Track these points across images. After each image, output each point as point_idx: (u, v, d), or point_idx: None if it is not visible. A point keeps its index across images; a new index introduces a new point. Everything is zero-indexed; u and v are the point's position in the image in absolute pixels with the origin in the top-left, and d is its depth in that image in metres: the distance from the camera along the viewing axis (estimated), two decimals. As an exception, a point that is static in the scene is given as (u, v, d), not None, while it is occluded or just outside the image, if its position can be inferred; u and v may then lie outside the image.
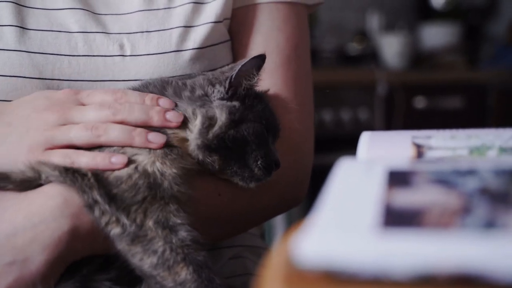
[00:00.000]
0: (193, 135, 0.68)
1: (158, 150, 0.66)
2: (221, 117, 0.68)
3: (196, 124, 0.68)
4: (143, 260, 0.62)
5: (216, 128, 0.68)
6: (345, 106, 2.46)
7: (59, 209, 0.63)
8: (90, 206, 0.63)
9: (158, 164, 0.65)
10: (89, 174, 0.64)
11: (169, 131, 0.68)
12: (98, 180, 0.64)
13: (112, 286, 0.65)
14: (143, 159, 0.65)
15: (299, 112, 0.83)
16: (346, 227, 0.37)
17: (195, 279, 0.61)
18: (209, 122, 0.68)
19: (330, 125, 2.43)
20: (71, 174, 0.64)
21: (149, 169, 0.65)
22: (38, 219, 0.63)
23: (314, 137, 0.89)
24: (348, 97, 2.47)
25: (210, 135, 0.68)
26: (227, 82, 0.70)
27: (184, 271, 0.62)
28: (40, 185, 0.66)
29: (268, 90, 0.77)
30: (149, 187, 0.64)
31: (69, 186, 0.64)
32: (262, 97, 0.74)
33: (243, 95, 0.71)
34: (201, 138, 0.68)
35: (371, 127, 2.45)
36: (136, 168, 0.65)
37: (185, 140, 0.69)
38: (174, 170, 0.66)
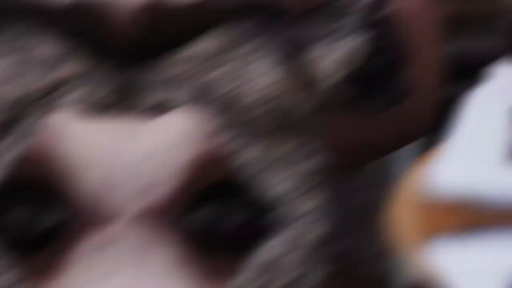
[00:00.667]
0: None
1: None
2: None
3: None
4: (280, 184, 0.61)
5: None
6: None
7: (190, 134, 0.65)
8: (218, 132, 0.62)
9: None
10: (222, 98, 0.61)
11: None
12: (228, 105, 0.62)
13: None
14: None
15: None
16: (478, 157, 0.38)
17: None
18: None
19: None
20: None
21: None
22: (169, 144, 0.64)
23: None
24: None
25: None
26: None
27: None
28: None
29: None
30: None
31: (199, 111, 0.63)
32: None
33: None
34: None
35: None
36: None
37: None
38: None
